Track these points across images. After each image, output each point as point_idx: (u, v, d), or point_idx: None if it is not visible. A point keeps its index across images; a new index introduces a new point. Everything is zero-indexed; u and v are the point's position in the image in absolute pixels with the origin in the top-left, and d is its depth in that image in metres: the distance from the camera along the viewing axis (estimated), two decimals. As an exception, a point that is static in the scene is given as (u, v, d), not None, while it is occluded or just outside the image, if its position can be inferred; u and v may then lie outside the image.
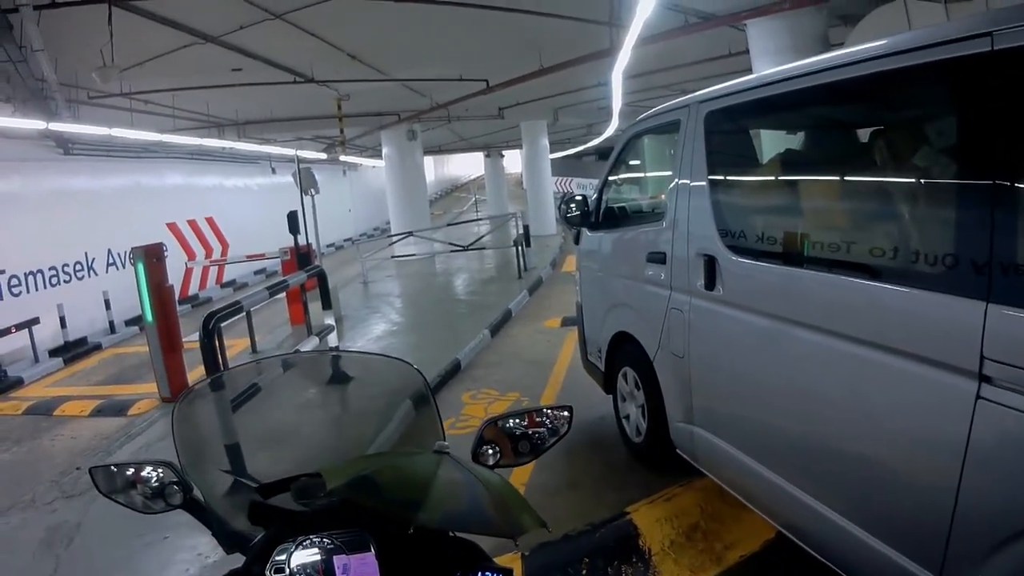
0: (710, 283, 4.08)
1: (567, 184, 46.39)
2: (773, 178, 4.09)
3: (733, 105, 4.09)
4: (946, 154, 2.83)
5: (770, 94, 3.68)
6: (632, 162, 5.91)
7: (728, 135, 4.39)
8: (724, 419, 4.18)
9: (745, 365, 3.85)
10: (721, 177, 4.24)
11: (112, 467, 2.00)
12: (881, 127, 3.45)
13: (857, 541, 2.99)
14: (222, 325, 6.47)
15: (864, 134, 3.63)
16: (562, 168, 44.29)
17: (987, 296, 2.36)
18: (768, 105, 3.82)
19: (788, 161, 4.04)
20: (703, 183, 4.25)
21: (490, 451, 2.12)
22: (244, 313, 8.81)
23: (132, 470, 1.98)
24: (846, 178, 3.57)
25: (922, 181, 3.01)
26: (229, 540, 2.05)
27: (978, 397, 2.41)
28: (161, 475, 1.97)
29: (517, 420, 2.18)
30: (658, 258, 4.72)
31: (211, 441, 2.34)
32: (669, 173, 4.69)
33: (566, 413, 2.23)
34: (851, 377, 3.04)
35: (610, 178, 5.83)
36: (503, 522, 1.71)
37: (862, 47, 3.01)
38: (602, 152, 47.06)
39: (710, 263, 4.08)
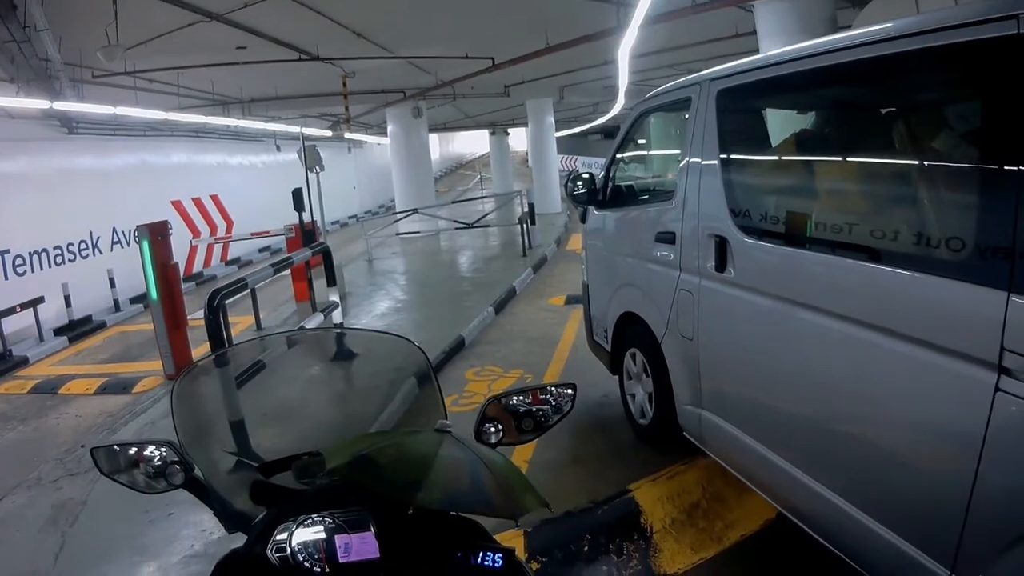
0: (721, 264, 4.01)
1: (572, 163, 46.36)
2: (787, 158, 3.98)
3: (747, 83, 3.99)
4: (968, 139, 2.75)
5: (785, 72, 3.59)
6: (640, 140, 5.83)
7: (741, 114, 4.30)
8: (734, 403, 4.12)
9: (755, 349, 3.79)
10: (733, 156, 4.16)
11: (114, 447, 1.97)
12: (900, 109, 3.34)
13: (869, 531, 2.96)
14: (227, 302, 6.46)
15: (882, 116, 3.52)
16: (567, 146, 44.24)
17: (1009, 286, 2.30)
18: (783, 84, 3.72)
19: (803, 142, 3.94)
20: (714, 162, 4.17)
21: (493, 429, 2.11)
22: (249, 290, 8.81)
23: (134, 450, 1.96)
24: (862, 161, 3.48)
25: (943, 167, 2.93)
26: (231, 519, 2.03)
27: (997, 389, 2.36)
28: (163, 455, 1.95)
29: (520, 398, 2.16)
30: (667, 238, 4.65)
31: (212, 420, 2.33)
32: (679, 151, 4.62)
33: (570, 391, 2.21)
34: (864, 363, 2.99)
35: (618, 155, 5.76)
36: (505, 503, 1.68)
37: (881, 27, 2.92)
38: (608, 131, 46.93)
39: (721, 244, 4.00)
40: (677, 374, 4.70)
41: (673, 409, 4.80)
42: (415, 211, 19.11)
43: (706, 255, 4.16)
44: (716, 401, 4.28)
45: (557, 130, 27.61)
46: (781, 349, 3.58)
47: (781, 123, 4.43)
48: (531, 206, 17.18)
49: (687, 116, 4.52)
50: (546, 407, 2.16)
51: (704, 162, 4.27)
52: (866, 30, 3.04)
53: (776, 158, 4.12)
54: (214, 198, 21.21)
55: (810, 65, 3.40)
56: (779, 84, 3.75)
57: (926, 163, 3.05)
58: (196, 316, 9.34)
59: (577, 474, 5.15)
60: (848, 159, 3.62)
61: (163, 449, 1.95)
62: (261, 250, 22.94)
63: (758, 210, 3.86)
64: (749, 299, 3.79)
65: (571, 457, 5.40)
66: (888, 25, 2.88)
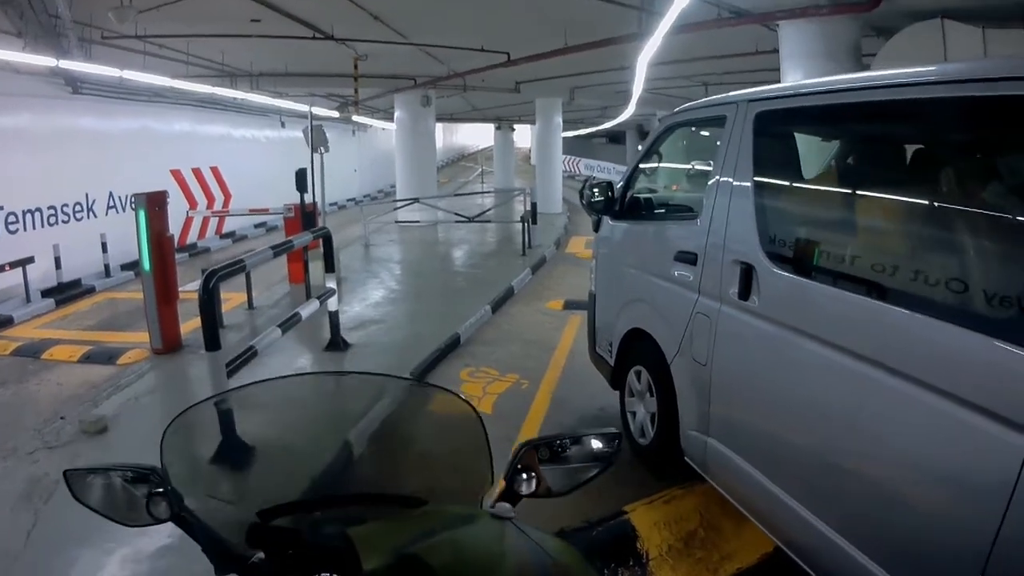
0: (745, 292, 3.86)
1: (575, 164, 46.27)
2: (827, 189, 3.87)
3: (789, 108, 3.87)
4: (1018, 192, 2.66)
5: (834, 102, 3.46)
6: (662, 152, 5.71)
7: (780, 139, 4.15)
8: (745, 435, 3.99)
9: (774, 382, 3.66)
10: (768, 181, 4.02)
11: (92, 471, 1.72)
12: (953, 153, 3.21)
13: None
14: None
15: (933, 158, 3.39)
16: (571, 148, 44.17)
17: None
18: (830, 113, 3.61)
19: (844, 174, 3.81)
20: (747, 185, 4.02)
21: (524, 477, 1.86)
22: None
23: (114, 475, 1.71)
24: (906, 201, 3.34)
25: (989, 217, 2.79)
26: (222, 560, 1.80)
27: None
28: (147, 484, 1.69)
29: (556, 446, 1.91)
30: (688, 258, 4.50)
31: (208, 459, 2.08)
32: (709, 168, 4.49)
33: (612, 441, 1.95)
34: (892, 411, 2.87)
35: (641, 166, 5.63)
36: None
37: (943, 67, 2.83)
38: (613, 135, 47.06)
39: (747, 271, 3.86)
40: (685, 398, 4.57)
41: (676, 432, 4.68)
42: (416, 200, 19.01)
43: (729, 281, 4.02)
44: (725, 430, 4.15)
45: (563, 130, 27.57)
46: (802, 385, 3.45)
47: (822, 152, 4.30)
48: (534, 205, 17.09)
49: (720, 135, 4.38)
50: (585, 460, 1.92)
51: (735, 184, 4.13)
52: (928, 68, 2.93)
53: (816, 188, 3.98)
54: (214, 170, 21.04)
55: (862, 98, 3.28)
56: (826, 113, 3.64)
57: (972, 212, 2.90)
58: (187, 289, 9.23)
59: (571, 489, 5.01)
60: (892, 198, 3.46)
61: (148, 478, 1.70)
62: (257, 226, 22.82)
63: (790, 240, 3.71)
64: (772, 331, 3.65)
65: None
66: (951, 66, 2.83)
